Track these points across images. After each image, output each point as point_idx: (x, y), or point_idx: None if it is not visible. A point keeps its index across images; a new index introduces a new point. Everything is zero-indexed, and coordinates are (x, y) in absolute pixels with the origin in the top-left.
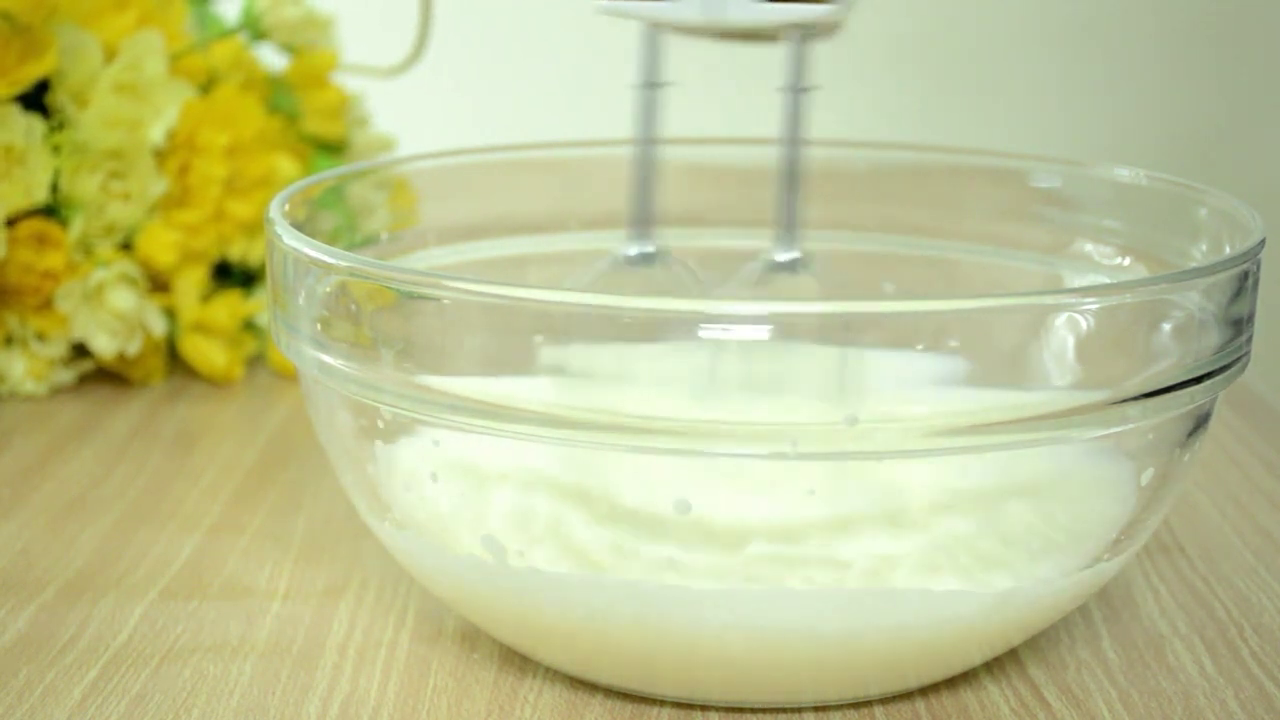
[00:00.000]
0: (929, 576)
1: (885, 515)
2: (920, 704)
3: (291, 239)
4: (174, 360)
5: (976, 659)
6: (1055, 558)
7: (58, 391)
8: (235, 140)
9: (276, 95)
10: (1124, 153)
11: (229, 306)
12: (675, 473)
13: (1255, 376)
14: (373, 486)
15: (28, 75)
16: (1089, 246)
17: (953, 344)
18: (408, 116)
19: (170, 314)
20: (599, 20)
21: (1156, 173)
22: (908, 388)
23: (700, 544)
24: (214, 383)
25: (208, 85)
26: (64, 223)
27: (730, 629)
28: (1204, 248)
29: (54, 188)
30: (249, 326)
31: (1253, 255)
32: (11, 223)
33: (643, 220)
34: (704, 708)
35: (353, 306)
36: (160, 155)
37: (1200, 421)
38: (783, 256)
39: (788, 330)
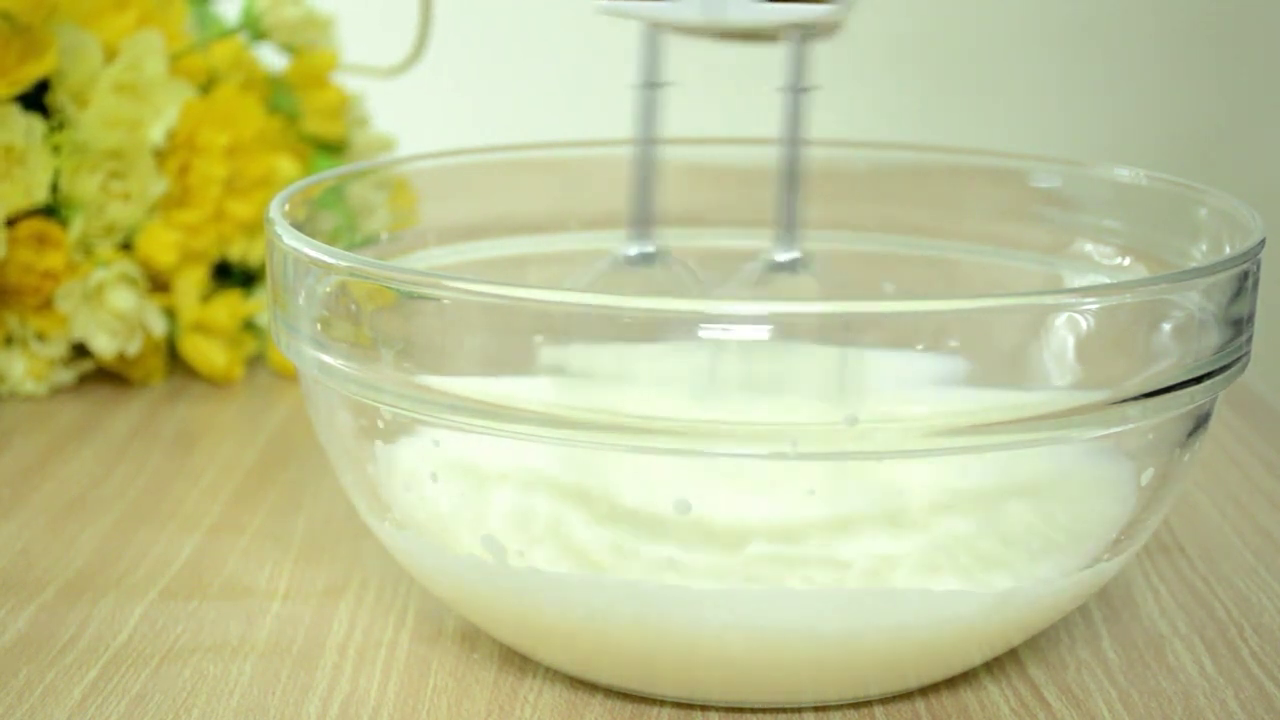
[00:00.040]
0: (929, 576)
1: (885, 515)
2: (920, 704)
3: (291, 239)
4: (174, 360)
5: (976, 659)
6: (1055, 558)
7: (58, 391)
8: (235, 140)
9: (276, 95)
10: (1124, 153)
11: (229, 306)
12: (675, 473)
13: (1255, 376)
14: (373, 486)
15: (28, 75)
16: (1089, 246)
17: (953, 344)
18: (408, 116)
19: (170, 314)
20: (599, 20)
21: (1156, 173)
22: (908, 388)
23: (700, 544)
24: (214, 383)
25: (208, 85)
26: (64, 223)
27: (730, 629)
28: (1204, 248)
29: (54, 188)
30: (249, 326)
31: (1253, 255)
32: (11, 223)
33: (643, 220)
34: (704, 708)
35: (353, 306)
36: (160, 155)
37: (1200, 421)
38: (783, 256)
39: (788, 330)
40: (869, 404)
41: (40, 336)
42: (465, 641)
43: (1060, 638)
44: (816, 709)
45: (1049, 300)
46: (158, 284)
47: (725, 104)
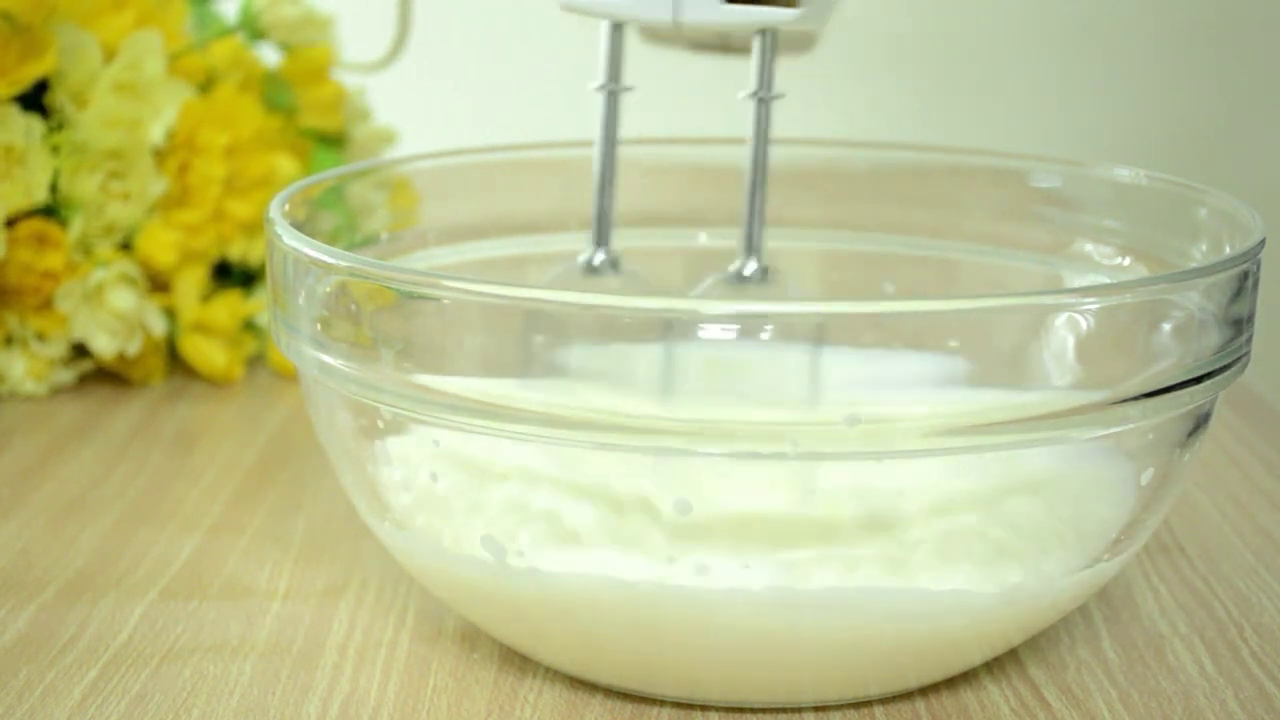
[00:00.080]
0: (929, 576)
1: (885, 515)
2: (920, 704)
3: (291, 239)
4: (174, 360)
5: (976, 659)
6: (1056, 557)
7: (58, 391)
8: (235, 140)
9: (273, 90)
10: (1124, 153)
11: (229, 306)
12: (676, 473)
13: (1255, 376)
14: (373, 486)
15: (27, 75)
16: (1089, 246)
17: (953, 344)
18: (408, 116)
19: (170, 314)
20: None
21: (1156, 173)
22: (908, 388)
23: (700, 544)
24: (214, 383)
25: (207, 85)
26: (64, 223)
27: (730, 629)
28: (1204, 248)
29: (53, 188)
30: (249, 326)
31: (1253, 255)
32: (11, 223)
33: (601, 226)
34: (704, 708)
35: (353, 306)
36: (160, 155)
37: (1200, 421)
38: (747, 269)
39: (787, 331)
40: (869, 404)
41: (40, 336)
42: (465, 641)
43: (1060, 638)
44: (816, 709)
45: (1049, 300)
46: (158, 284)
47: (726, 104)
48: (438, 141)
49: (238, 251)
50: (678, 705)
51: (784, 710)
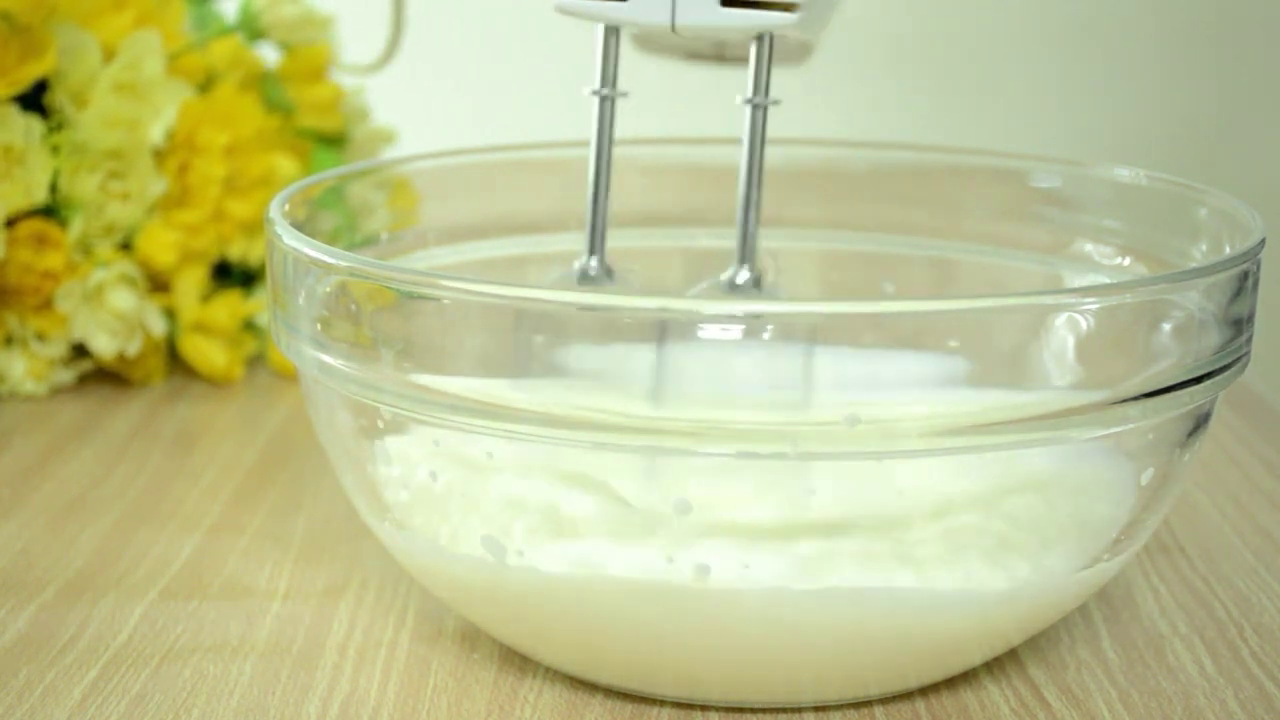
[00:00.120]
0: (929, 576)
1: (885, 515)
2: (920, 704)
3: (291, 239)
4: (174, 360)
5: (976, 659)
6: (1055, 557)
7: (58, 391)
8: (234, 139)
9: (269, 90)
10: (1124, 153)
11: (229, 306)
12: (676, 473)
13: (1255, 376)
14: (373, 486)
15: (27, 75)
16: (1089, 246)
17: (953, 344)
18: (407, 116)
19: (170, 314)
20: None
21: (1156, 173)
22: (908, 388)
23: (700, 544)
24: (214, 383)
25: (206, 84)
26: (63, 223)
27: (730, 629)
28: (1204, 248)
29: (53, 188)
30: (249, 326)
31: (1253, 255)
32: (11, 223)
33: (596, 233)
34: (704, 708)
35: (353, 306)
36: (159, 155)
37: (1200, 421)
38: (739, 278)
39: (787, 331)
40: (869, 404)
41: (40, 336)
42: (465, 641)
43: (1060, 638)
44: (816, 709)
45: (1049, 300)
46: (157, 284)
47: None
48: (437, 141)
49: (238, 251)
50: (678, 705)
51: (784, 710)
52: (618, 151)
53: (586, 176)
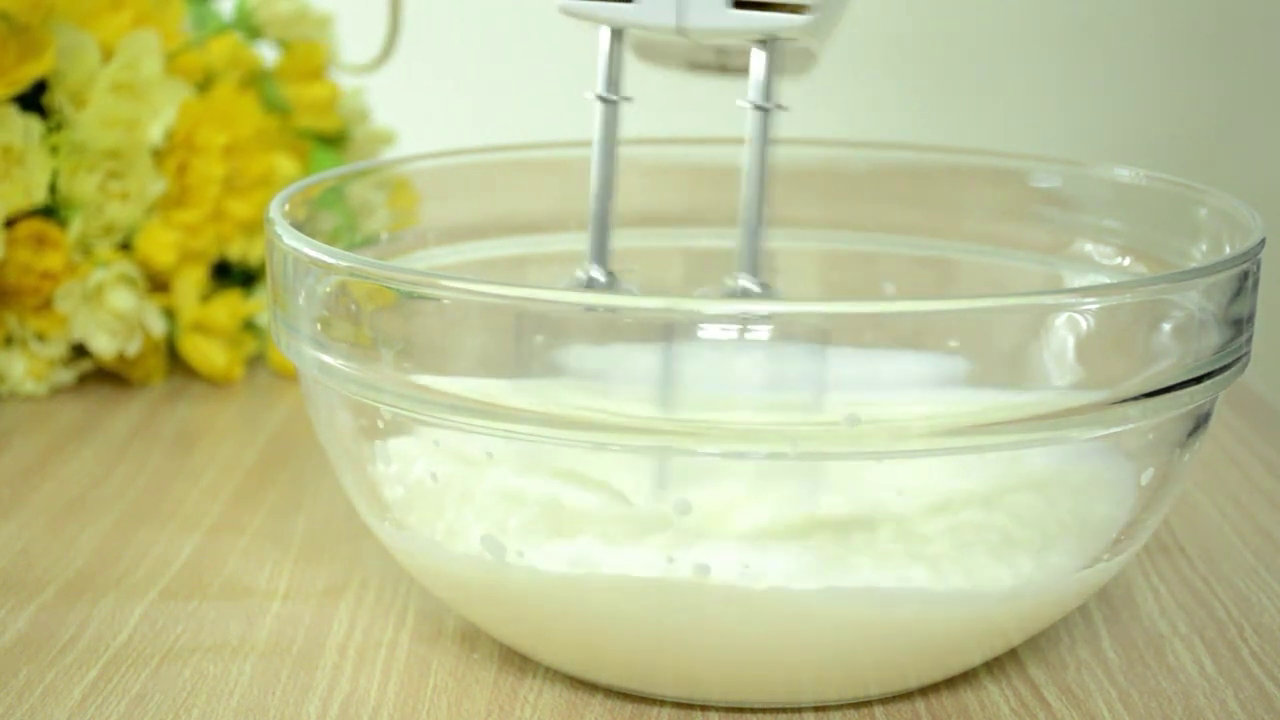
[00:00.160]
0: (929, 575)
1: (885, 515)
2: (920, 704)
3: (291, 239)
4: (174, 360)
5: (977, 658)
6: (1055, 557)
7: (58, 391)
8: (234, 139)
9: (266, 89)
10: (1124, 153)
11: (229, 306)
12: (675, 473)
13: (1255, 376)
14: (373, 486)
15: (26, 75)
16: (1089, 246)
17: (953, 344)
18: (407, 116)
19: (170, 314)
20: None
21: (1156, 173)
22: (908, 388)
23: (700, 544)
24: (214, 383)
25: (205, 84)
26: (63, 223)
27: (730, 629)
28: (1204, 248)
29: (52, 188)
30: (249, 326)
31: (1253, 255)
32: (11, 223)
33: (601, 242)
34: (704, 708)
35: (353, 306)
36: (158, 155)
37: (1200, 421)
38: (749, 287)
39: (788, 331)
40: (869, 404)
41: (40, 336)
42: (465, 641)
43: (1060, 638)
44: (816, 709)
45: (1049, 300)
46: (157, 284)
47: (727, 104)
48: (437, 141)
49: (237, 251)
50: (678, 705)
51: (784, 710)
52: (618, 155)
53: (590, 182)
